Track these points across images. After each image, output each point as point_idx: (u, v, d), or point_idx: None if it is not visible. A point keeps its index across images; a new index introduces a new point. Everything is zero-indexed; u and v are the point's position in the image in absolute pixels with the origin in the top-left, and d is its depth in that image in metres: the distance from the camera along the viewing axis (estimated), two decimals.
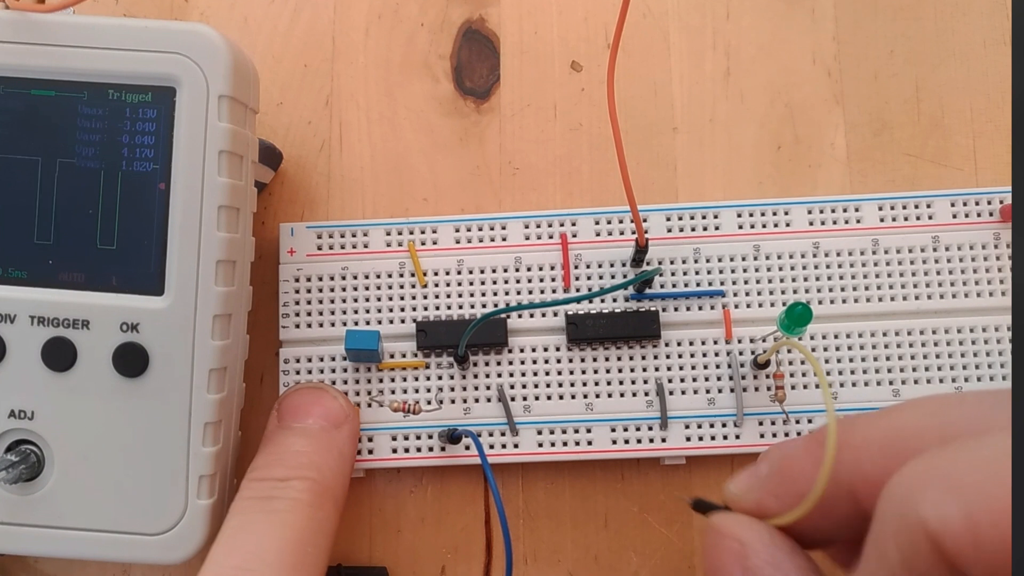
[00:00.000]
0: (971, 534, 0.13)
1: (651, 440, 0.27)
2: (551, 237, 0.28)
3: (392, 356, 0.27)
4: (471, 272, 0.28)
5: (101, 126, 0.23)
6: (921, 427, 0.16)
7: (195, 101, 0.23)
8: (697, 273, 0.27)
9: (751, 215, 0.28)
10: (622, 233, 0.28)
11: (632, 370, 0.27)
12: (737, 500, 0.20)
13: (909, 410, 0.17)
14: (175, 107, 0.23)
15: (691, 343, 0.27)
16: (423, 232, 0.28)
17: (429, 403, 0.27)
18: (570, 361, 0.27)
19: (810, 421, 0.27)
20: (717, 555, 0.19)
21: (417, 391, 0.27)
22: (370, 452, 0.27)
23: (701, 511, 0.21)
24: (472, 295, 0.27)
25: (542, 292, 0.28)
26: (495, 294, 0.27)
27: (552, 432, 0.27)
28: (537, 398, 0.27)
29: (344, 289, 0.28)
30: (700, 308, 0.27)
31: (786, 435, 0.27)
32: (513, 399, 0.27)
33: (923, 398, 0.18)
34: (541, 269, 0.28)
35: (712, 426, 0.27)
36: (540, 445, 0.27)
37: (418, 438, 0.27)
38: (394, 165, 0.30)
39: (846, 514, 0.18)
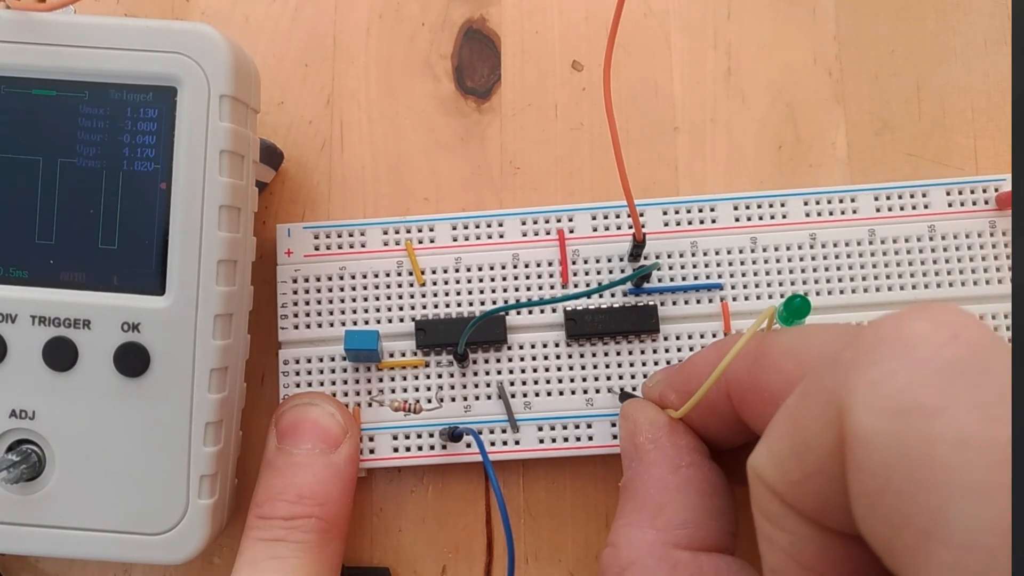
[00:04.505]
0: (772, 461, 0.16)
1: None
2: (548, 233, 0.28)
3: (392, 355, 0.27)
4: (469, 270, 0.28)
5: (102, 126, 0.23)
6: (786, 345, 0.19)
7: (196, 101, 0.23)
8: (695, 267, 0.27)
9: (748, 208, 0.28)
10: (619, 228, 0.28)
11: (632, 364, 0.27)
12: (648, 391, 0.25)
13: (783, 331, 0.20)
14: (176, 107, 0.23)
15: (690, 336, 0.27)
16: (420, 231, 0.28)
17: (429, 401, 0.27)
18: (569, 357, 0.27)
19: None
20: (621, 433, 0.24)
21: (417, 390, 0.27)
22: (371, 452, 0.27)
23: (624, 401, 0.26)
24: (471, 293, 0.27)
25: (540, 288, 0.28)
26: (493, 291, 0.27)
27: (553, 428, 0.27)
28: (537, 394, 0.27)
29: (342, 289, 0.28)
30: (698, 302, 0.27)
31: None
32: (513, 396, 0.27)
33: (794, 327, 0.21)
34: (539, 265, 0.28)
35: None
36: (541, 441, 0.27)
37: (419, 436, 0.27)
38: (395, 165, 0.30)
39: (727, 413, 0.21)
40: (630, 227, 0.28)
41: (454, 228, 0.28)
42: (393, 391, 0.27)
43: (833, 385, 0.15)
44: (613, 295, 0.27)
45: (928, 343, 0.14)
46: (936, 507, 0.12)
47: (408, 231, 0.28)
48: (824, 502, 0.15)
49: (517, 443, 0.27)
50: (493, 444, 0.27)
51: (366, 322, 0.28)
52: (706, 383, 0.20)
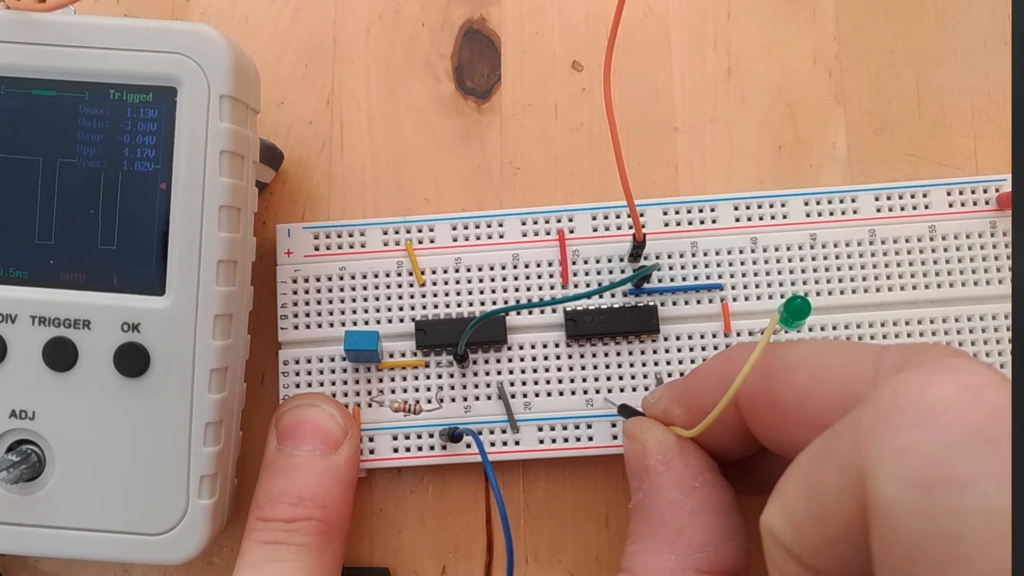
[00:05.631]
0: (788, 523, 0.16)
1: None
2: (548, 234, 0.28)
3: (392, 356, 0.27)
4: (469, 270, 0.28)
5: (102, 126, 0.23)
6: (800, 360, 0.19)
7: (196, 101, 0.23)
8: (695, 267, 0.27)
9: (748, 208, 0.28)
10: (619, 228, 0.28)
11: (632, 365, 0.27)
12: (650, 407, 0.24)
13: (795, 345, 0.20)
14: (176, 107, 0.23)
15: (690, 337, 0.27)
16: (420, 231, 0.28)
17: (429, 402, 0.27)
18: (569, 357, 0.27)
19: None
20: (627, 453, 0.23)
21: (417, 390, 0.27)
22: (371, 452, 0.27)
23: (625, 416, 0.25)
24: (471, 293, 0.27)
25: (540, 289, 0.28)
26: (493, 291, 0.27)
27: (553, 428, 0.27)
28: (537, 395, 0.27)
29: (342, 290, 0.28)
30: (698, 302, 0.27)
31: None
32: (513, 396, 0.27)
33: (808, 340, 0.21)
34: (539, 266, 0.28)
35: None
36: (541, 442, 0.27)
37: (419, 437, 0.27)
38: (395, 165, 0.30)
39: (736, 424, 0.21)
40: (630, 227, 0.28)
41: (454, 228, 0.28)
42: (393, 391, 0.27)
43: (853, 451, 0.14)
44: (613, 295, 0.27)
45: (951, 408, 0.13)
46: None
47: (408, 231, 0.28)
48: (844, 566, 0.15)
49: (517, 443, 0.27)
50: (493, 444, 0.27)
51: (366, 322, 0.28)
52: (722, 400, 0.20)
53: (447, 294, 0.28)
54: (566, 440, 0.27)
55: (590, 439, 0.27)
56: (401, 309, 0.28)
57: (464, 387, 0.27)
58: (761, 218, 0.28)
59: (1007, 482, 0.12)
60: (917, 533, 0.13)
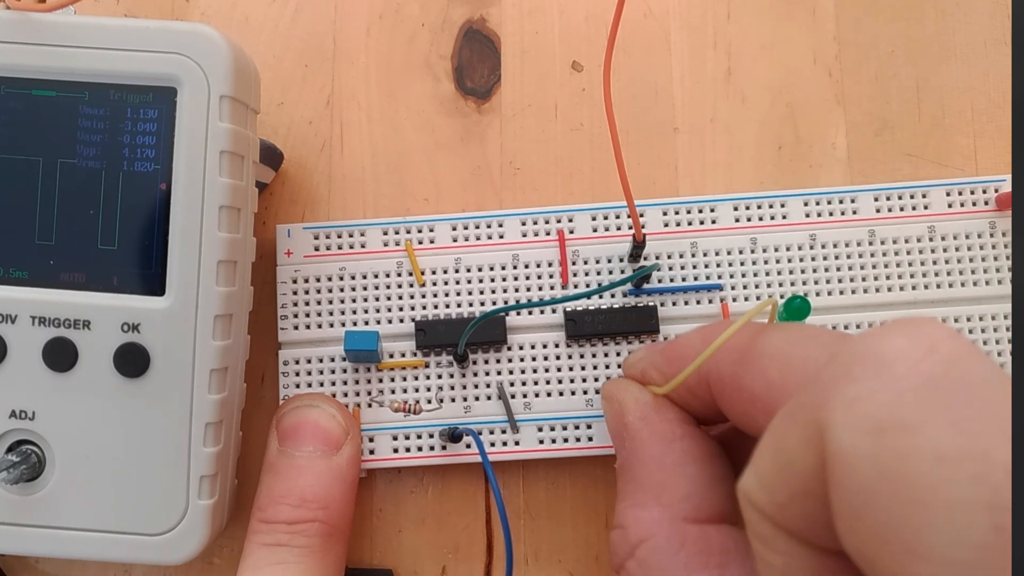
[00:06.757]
0: (759, 483, 0.16)
1: None
2: (548, 234, 0.28)
3: (392, 356, 0.27)
4: (469, 270, 0.28)
5: (102, 126, 0.23)
6: (774, 350, 0.19)
7: (196, 101, 0.23)
8: (695, 267, 0.27)
9: (748, 208, 0.28)
10: (619, 229, 0.28)
11: None
12: (628, 368, 0.24)
13: (772, 332, 0.20)
14: (176, 107, 0.23)
15: None
16: (420, 231, 0.28)
17: (429, 402, 0.27)
18: (569, 358, 0.27)
19: None
20: (607, 415, 0.23)
21: (417, 390, 0.27)
22: (371, 452, 0.27)
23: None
24: (471, 293, 0.27)
25: (540, 289, 0.28)
26: (493, 292, 0.27)
27: (553, 429, 0.27)
28: (537, 395, 0.27)
29: (342, 290, 0.28)
30: (698, 302, 0.27)
31: None
32: (513, 396, 0.27)
33: (785, 325, 0.21)
34: (539, 266, 0.28)
35: None
36: (541, 442, 0.27)
37: (419, 437, 0.27)
38: (395, 165, 0.30)
39: (707, 398, 0.21)
40: (630, 227, 0.28)
41: (454, 228, 0.28)
42: (393, 392, 0.27)
43: (813, 404, 0.15)
44: (613, 296, 0.27)
45: (905, 358, 0.14)
46: (916, 524, 0.12)
47: (408, 231, 0.28)
48: (812, 522, 0.15)
49: (517, 443, 0.27)
50: (493, 444, 0.27)
51: (366, 322, 0.28)
52: (688, 368, 0.20)
53: (447, 294, 0.28)
54: (566, 440, 0.27)
55: (590, 439, 0.27)
56: (401, 309, 0.28)
57: (464, 387, 0.27)
58: (761, 218, 0.28)
59: (956, 426, 0.12)
60: (870, 477, 0.13)
